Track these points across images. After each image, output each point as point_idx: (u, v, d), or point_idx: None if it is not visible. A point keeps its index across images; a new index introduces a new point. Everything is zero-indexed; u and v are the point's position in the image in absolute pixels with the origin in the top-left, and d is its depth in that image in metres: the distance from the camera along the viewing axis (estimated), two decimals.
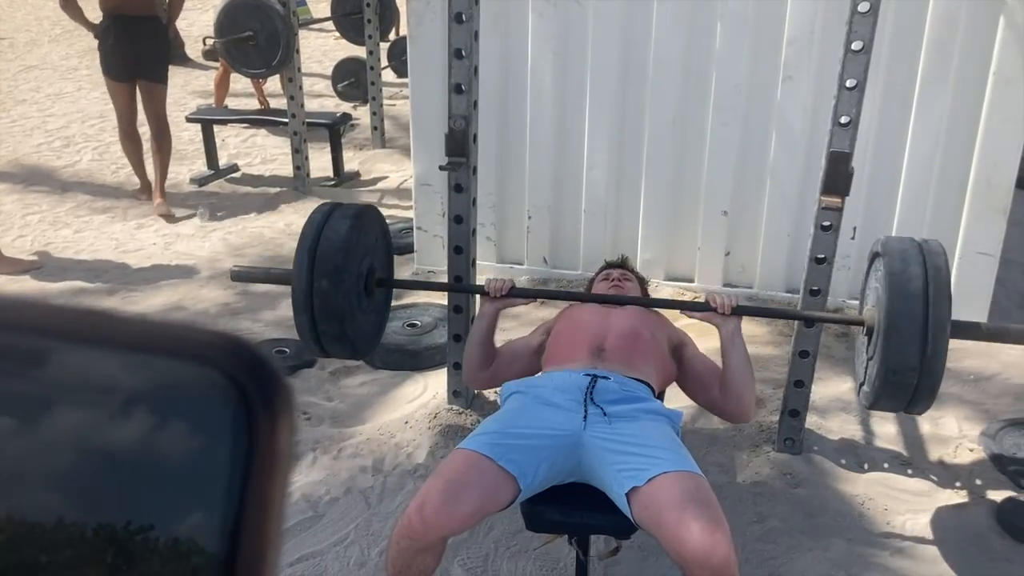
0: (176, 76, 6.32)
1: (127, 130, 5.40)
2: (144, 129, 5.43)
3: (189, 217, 5.35)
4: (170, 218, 5.29)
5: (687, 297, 4.18)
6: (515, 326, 3.71)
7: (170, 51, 5.60)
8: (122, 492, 0.32)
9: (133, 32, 5.01)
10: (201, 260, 4.70)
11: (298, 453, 2.99)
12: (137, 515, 0.31)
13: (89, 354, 0.32)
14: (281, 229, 5.13)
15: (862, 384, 2.49)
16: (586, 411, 2.06)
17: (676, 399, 2.62)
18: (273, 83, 7.45)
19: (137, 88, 5.22)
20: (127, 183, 5.96)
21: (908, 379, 2.21)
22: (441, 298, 3.69)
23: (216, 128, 6.27)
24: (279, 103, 7.40)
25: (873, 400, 2.38)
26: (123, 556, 0.31)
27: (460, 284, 3.00)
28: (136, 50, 5.05)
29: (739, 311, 2.41)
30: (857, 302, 4.02)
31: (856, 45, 2.52)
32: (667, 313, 2.68)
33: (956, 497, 2.82)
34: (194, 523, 0.31)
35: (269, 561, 0.32)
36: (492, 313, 2.53)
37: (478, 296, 2.73)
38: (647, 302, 2.67)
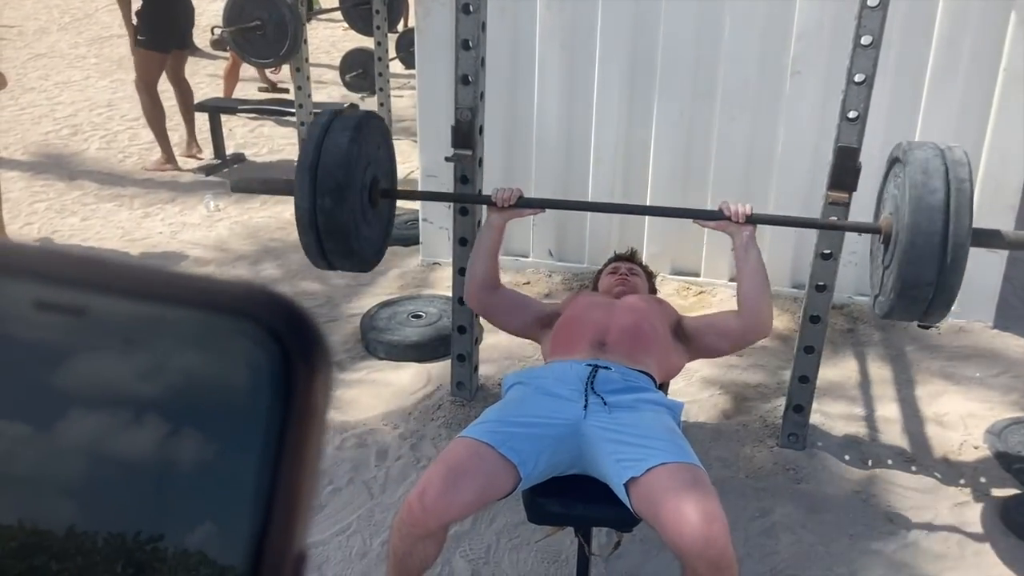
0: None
1: (156, 100, 5.85)
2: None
3: (196, 206, 5.36)
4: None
5: (693, 291, 4.18)
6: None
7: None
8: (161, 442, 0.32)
9: (173, 4, 5.73)
10: (207, 249, 4.71)
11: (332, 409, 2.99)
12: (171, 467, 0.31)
13: (128, 306, 0.32)
14: (287, 219, 5.12)
15: (877, 295, 2.45)
16: (587, 400, 2.06)
17: (679, 392, 2.62)
18: (284, 72, 7.45)
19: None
20: (134, 172, 5.98)
21: (924, 293, 2.17)
22: (446, 289, 3.69)
23: (223, 117, 6.27)
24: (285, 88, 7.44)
25: (887, 311, 2.34)
26: (133, 566, 0.31)
27: (467, 195, 2.93)
28: (177, 21, 5.79)
29: (754, 219, 2.40)
30: (865, 298, 4.02)
31: (865, 39, 2.51)
32: (677, 307, 2.68)
33: (960, 495, 2.81)
34: (230, 472, 0.31)
35: (302, 512, 0.32)
36: (499, 224, 2.52)
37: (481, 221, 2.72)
38: (665, 211, 2.61)
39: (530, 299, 2.64)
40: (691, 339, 2.42)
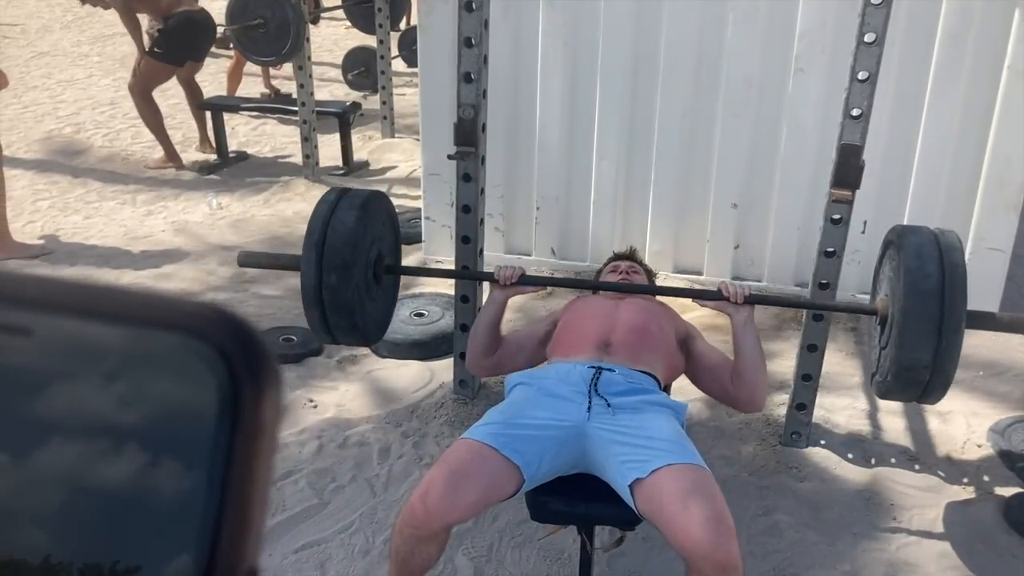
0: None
1: (151, 103, 5.87)
2: None
3: (198, 204, 5.36)
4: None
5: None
6: (520, 317, 3.71)
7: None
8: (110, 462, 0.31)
9: (196, 24, 5.79)
10: (210, 247, 4.71)
11: (296, 436, 2.99)
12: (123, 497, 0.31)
13: (74, 326, 0.32)
14: (289, 217, 5.13)
15: (874, 374, 2.48)
16: (590, 402, 2.05)
17: (683, 392, 2.62)
18: (286, 68, 7.45)
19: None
20: (137, 170, 5.98)
21: (920, 375, 2.21)
22: (449, 287, 3.69)
23: (226, 116, 6.27)
24: (288, 87, 7.43)
25: (885, 391, 2.38)
26: None
27: (469, 271, 2.99)
28: (198, 39, 5.86)
29: (752, 300, 2.40)
30: (867, 296, 4.01)
31: (869, 37, 2.50)
32: (675, 305, 2.68)
33: (963, 493, 2.81)
34: (176, 491, 0.31)
35: (252, 533, 0.32)
36: (501, 300, 2.53)
37: (486, 284, 2.73)
38: (658, 290, 2.67)
39: (526, 331, 2.62)
40: (691, 359, 2.43)
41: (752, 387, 2.31)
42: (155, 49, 5.74)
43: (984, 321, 2.35)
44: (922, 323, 2.16)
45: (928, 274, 2.18)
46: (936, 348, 2.16)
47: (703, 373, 2.42)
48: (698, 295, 2.60)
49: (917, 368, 2.19)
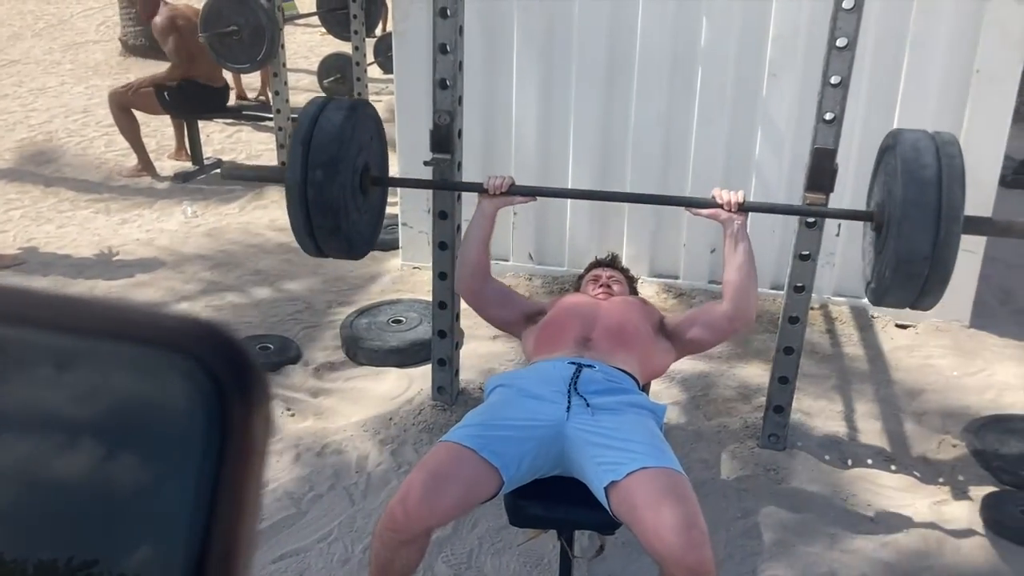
0: (160, 69, 6.29)
1: (129, 114, 5.85)
2: None
3: (173, 213, 5.32)
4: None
5: (672, 293, 4.19)
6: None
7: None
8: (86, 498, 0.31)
9: (215, 102, 5.98)
10: (185, 256, 4.67)
11: (273, 445, 2.97)
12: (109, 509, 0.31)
13: (56, 339, 0.31)
14: (266, 224, 5.10)
15: (869, 283, 2.45)
16: (570, 402, 2.06)
17: (660, 394, 2.62)
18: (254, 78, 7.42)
19: None
20: (111, 178, 5.93)
21: (919, 269, 2.17)
22: (427, 294, 3.68)
23: (201, 123, 6.23)
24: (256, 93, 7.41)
25: (882, 294, 2.34)
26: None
27: (458, 183, 2.90)
28: (203, 109, 6.00)
29: (746, 207, 2.41)
30: (843, 298, 4.05)
31: (840, 42, 2.53)
32: (658, 305, 2.68)
33: (939, 493, 2.83)
34: (163, 522, 0.31)
35: (241, 557, 0.31)
36: (490, 213, 2.53)
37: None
38: (653, 199, 2.73)
39: (519, 294, 2.65)
40: (675, 335, 2.43)
41: (745, 296, 2.33)
42: (165, 95, 5.78)
43: (980, 225, 2.31)
44: (921, 212, 2.12)
45: (926, 165, 2.16)
46: (935, 239, 2.11)
47: (692, 331, 2.41)
48: (692, 203, 2.58)
49: (916, 260, 2.15)
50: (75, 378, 0.31)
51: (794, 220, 2.80)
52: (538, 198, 4.22)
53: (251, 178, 2.71)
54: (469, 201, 3.75)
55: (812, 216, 2.71)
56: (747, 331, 2.45)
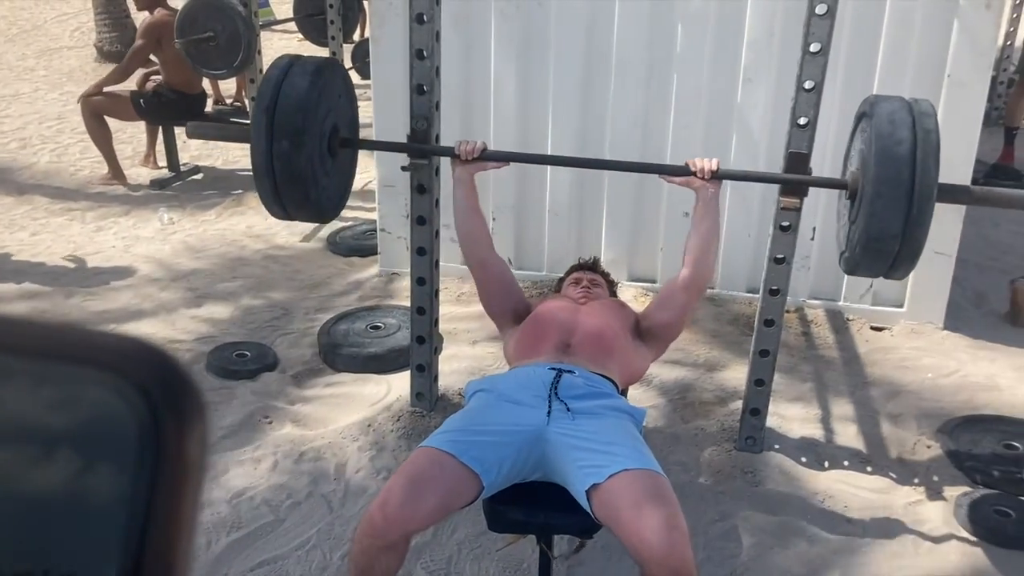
0: (137, 74, 6.25)
1: (101, 121, 5.79)
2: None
3: (150, 219, 5.28)
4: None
5: (650, 297, 4.20)
6: (479, 327, 3.71)
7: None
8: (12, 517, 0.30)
9: (192, 110, 5.77)
10: (162, 262, 4.64)
11: (251, 452, 2.96)
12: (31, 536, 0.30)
13: None
14: (243, 231, 5.08)
15: (843, 252, 2.46)
16: (550, 406, 2.06)
17: (639, 398, 2.63)
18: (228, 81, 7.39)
19: None
20: (86, 186, 5.88)
21: (889, 246, 2.17)
22: (405, 300, 3.67)
23: (177, 129, 6.19)
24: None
25: (853, 266, 2.35)
26: None
27: (429, 146, 2.85)
28: (179, 117, 5.62)
29: (720, 175, 2.43)
30: (819, 301, 4.08)
31: (814, 47, 2.55)
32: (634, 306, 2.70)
33: (914, 494, 2.86)
34: (94, 540, 0.30)
35: (178, 565, 0.31)
36: (467, 178, 2.54)
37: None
38: (634, 167, 2.82)
39: (517, 288, 2.65)
40: (646, 329, 2.45)
41: (704, 255, 2.38)
42: (141, 101, 5.75)
43: (957, 194, 2.31)
44: (893, 190, 2.11)
45: (900, 140, 2.13)
46: (907, 217, 2.10)
47: (658, 314, 2.46)
48: (666, 170, 2.62)
49: (886, 238, 2.14)
50: (4, 395, 0.31)
51: (769, 224, 2.82)
52: (516, 205, 4.25)
53: (217, 137, 2.65)
54: (448, 207, 3.75)
55: (787, 183, 2.68)
56: (704, 285, 2.47)
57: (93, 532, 0.30)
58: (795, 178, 2.65)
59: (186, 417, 0.31)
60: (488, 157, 2.56)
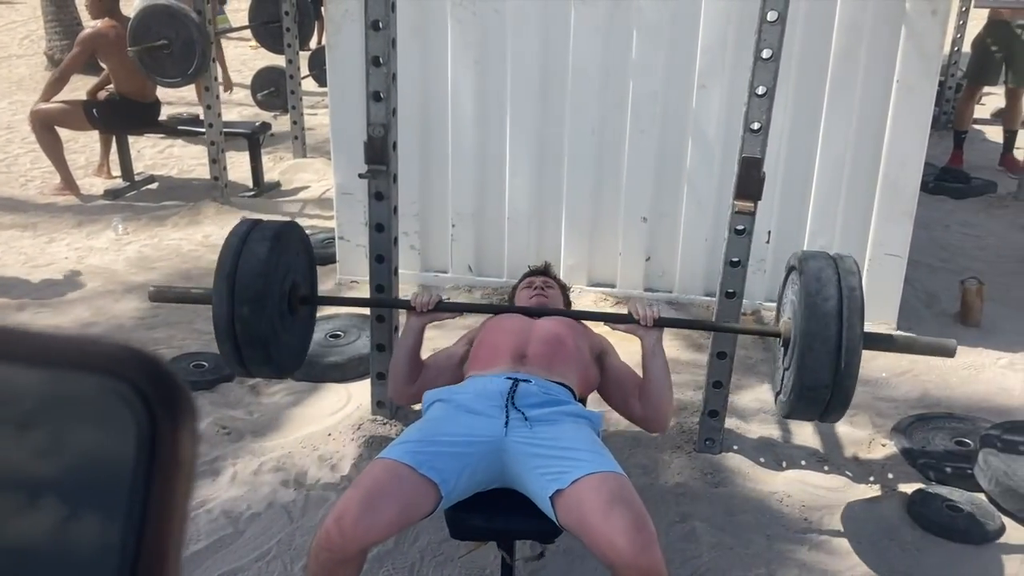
0: (88, 82, 6.15)
1: (53, 132, 5.71)
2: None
3: (103, 230, 5.20)
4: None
5: (610, 302, 4.23)
6: (440, 335, 3.70)
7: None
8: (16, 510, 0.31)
9: (144, 118, 5.85)
10: (116, 274, 4.57)
11: (209, 464, 2.92)
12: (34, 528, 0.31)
13: None
14: (199, 241, 5.02)
15: (779, 393, 2.58)
16: (507, 416, 2.06)
17: (598, 401, 2.65)
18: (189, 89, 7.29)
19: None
20: (36, 196, 5.78)
21: (821, 395, 2.31)
22: (364, 309, 3.66)
23: (131, 138, 6.11)
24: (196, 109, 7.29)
25: (788, 411, 2.48)
26: None
27: (385, 299, 2.97)
28: (132, 126, 5.90)
29: (661, 323, 2.46)
30: (773, 304, 4.13)
31: (766, 53, 2.59)
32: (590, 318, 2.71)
33: (870, 491, 2.91)
34: (93, 535, 0.31)
35: (170, 568, 0.32)
36: (418, 328, 2.53)
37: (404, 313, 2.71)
38: (572, 314, 2.70)
39: (445, 353, 2.61)
40: (603, 373, 2.48)
41: (658, 408, 2.38)
42: (94, 111, 5.68)
43: (880, 342, 2.47)
44: (822, 344, 2.25)
45: (828, 297, 2.28)
46: (836, 369, 2.25)
47: (612, 389, 2.48)
48: (609, 318, 2.69)
49: (818, 388, 2.29)
50: (10, 418, 0.31)
51: (724, 228, 2.86)
52: (475, 212, 4.26)
53: (178, 301, 2.72)
54: (406, 212, 3.75)
55: (722, 331, 2.85)
56: (659, 433, 2.59)
57: (93, 526, 0.31)
58: (732, 328, 2.81)
59: (179, 416, 0.32)
60: (443, 308, 2.56)
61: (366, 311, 3.36)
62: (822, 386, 2.28)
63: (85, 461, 0.31)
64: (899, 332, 2.58)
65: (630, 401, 2.42)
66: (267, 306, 2.35)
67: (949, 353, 2.50)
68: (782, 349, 2.55)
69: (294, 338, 2.60)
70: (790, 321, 2.47)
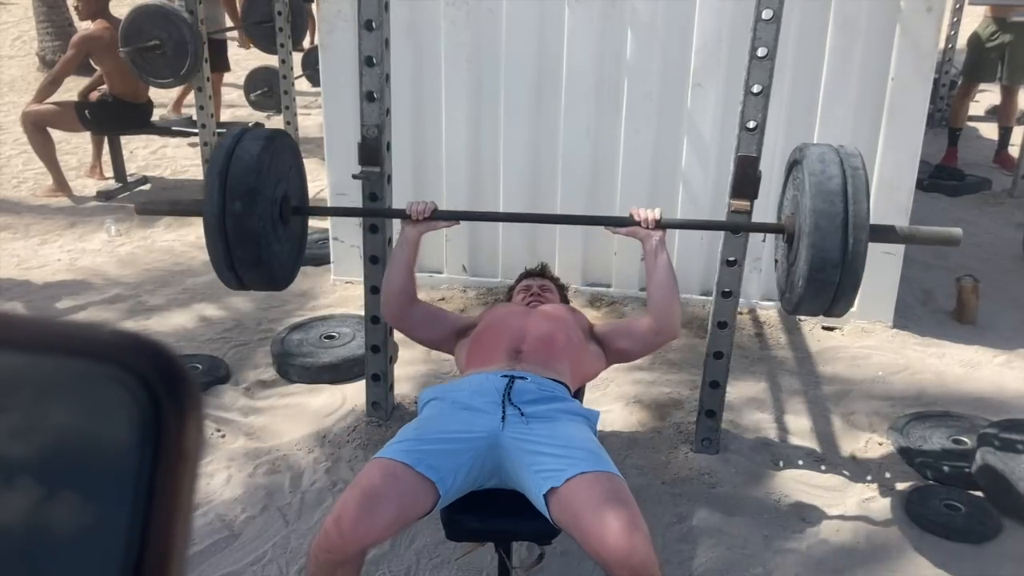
0: (80, 83, 6.13)
1: (45, 133, 5.67)
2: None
3: (96, 232, 5.18)
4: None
5: (605, 301, 4.22)
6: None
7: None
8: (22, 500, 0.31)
9: (137, 119, 5.87)
10: (108, 276, 4.55)
11: (205, 453, 2.91)
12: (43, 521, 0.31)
13: None
14: (192, 242, 4.99)
15: (784, 293, 2.53)
16: (504, 412, 2.06)
17: (594, 402, 2.64)
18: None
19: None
20: (29, 198, 5.75)
21: (831, 276, 2.24)
22: (359, 309, 3.64)
23: (124, 139, 6.09)
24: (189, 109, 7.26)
25: (796, 304, 2.40)
26: None
27: (380, 208, 2.88)
28: (123, 127, 5.89)
29: (663, 224, 2.46)
30: (771, 302, 4.13)
31: (761, 51, 2.58)
32: (587, 314, 2.70)
33: (867, 491, 2.90)
34: (98, 526, 0.31)
35: (176, 560, 0.32)
36: (414, 239, 2.51)
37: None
38: (574, 219, 2.84)
39: (447, 312, 2.66)
40: (604, 343, 2.48)
41: (666, 310, 2.39)
42: (86, 112, 5.65)
43: (885, 233, 2.41)
44: (830, 222, 2.20)
45: (832, 176, 2.24)
46: (844, 246, 2.20)
47: (619, 341, 2.48)
48: (610, 221, 2.65)
49: (827, 268, 2.22)
50: (6, 403, 0.31)
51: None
52: (473, 207, 4.24)
53: (167, 212, 2.66)
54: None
55: (726, 229, 2.79)
56: (673, 339, 2.54)
57: (99, 518, 0.31)
58: (734, 224, 2.74)
59: (184, 407, 0.32)
60: (438, 217, 2.54)
61: (362, 312, 3.34)
62: (831, 266, 2.21)
63: (88, 452, 0.31)
64: (902, 225, 2.52)
65: (636, 325, 2.44)
66: (259, 203, 2.30)
67: (954, 242, 2.39)
68: (785, 246, 2.49)
69: (285, 248, 2.52)
70: (793, 216, 2.42)
